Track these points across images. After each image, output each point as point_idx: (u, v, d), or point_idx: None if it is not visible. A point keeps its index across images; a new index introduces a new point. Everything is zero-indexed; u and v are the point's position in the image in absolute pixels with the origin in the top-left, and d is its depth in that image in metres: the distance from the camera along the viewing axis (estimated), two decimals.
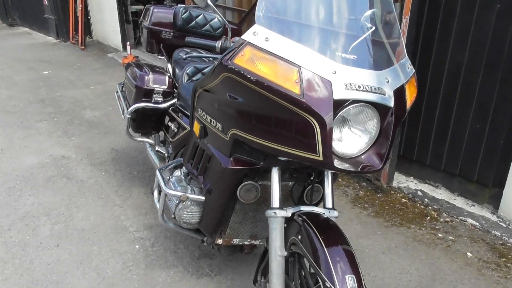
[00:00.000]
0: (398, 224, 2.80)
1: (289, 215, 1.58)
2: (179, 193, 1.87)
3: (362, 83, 1.40)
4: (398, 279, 2.33)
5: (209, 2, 1.61)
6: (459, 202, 2.97)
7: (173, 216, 1.94)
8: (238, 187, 1.71)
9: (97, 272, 2.29)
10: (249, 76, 1.37)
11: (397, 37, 1.72)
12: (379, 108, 1.45)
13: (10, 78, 5.80)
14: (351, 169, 1.45)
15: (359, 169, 1.46)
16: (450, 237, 2.68)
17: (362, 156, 1.49)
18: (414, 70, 1.70)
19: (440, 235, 2.70)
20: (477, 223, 2.78)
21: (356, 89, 1.39)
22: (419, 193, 3.09)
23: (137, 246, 2.50)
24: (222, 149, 1.69)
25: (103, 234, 2.60)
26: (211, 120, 1.73)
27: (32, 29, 9.42)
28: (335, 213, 1.62)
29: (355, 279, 1.33)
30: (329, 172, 1.67)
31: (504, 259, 2.49)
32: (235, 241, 1.99)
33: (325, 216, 1.58)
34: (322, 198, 1.84)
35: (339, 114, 1.39)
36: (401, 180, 3.26)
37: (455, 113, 2.89)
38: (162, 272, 2.31)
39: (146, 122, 2.71)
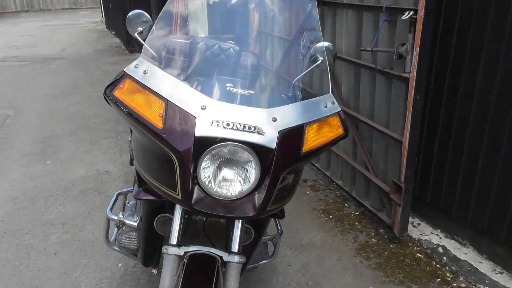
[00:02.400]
0: (398, 281, 2.46)
1: (181, 253, 1.51)
2: (115, 217, 1.92)
3: (233, 121, 1.31)
4: None
5: (135, 35, 1.66)
6: (484, 266, 2.50)
7: (116, 240, 2.00)
8: (154, 218, 1.69)
9: (73, 284, 2.44)
10: (122, 108, 1.38)
11: (323, 70, 1.58)
12: (259, 150, 1.33)
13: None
14: (215, 213, 1.35)
15: (226, 214, 1.35)
16: None
17: (241, 200, 1.38)
18: (338, 109, 1.53)
19: None
20: None
21: (224, 127, 1.30)
22: (440, 249, 2.68)
23: (120, 265, 2.60)
24: (137, 180, 1.70)
25: (98, 248, 2.76)
26: (131, 149, 1.76)
27: None
28: (236, 258, 1.51)
29: None
30: (239, 221, 1.56)
31: None
32: None
33: (218, 263, 1.48)
34: (256, 237, 1.75)
35: (207, 152, 1.32)
36: (425, 232, 2.87)
37: (482, 160, 2.47)
38: None
39: None
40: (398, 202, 2.66)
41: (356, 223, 3.05)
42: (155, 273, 1.95)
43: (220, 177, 1.36)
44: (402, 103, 2.61)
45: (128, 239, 1.95)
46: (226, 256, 1.51)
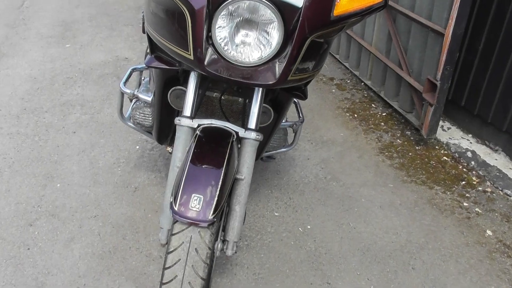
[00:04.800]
0: (420, 182, 2.38)
1: (195, 126, 1.41)
2: (129, 91, 1.82)
3: None
4: (379, 237, 2.02)
5: None
6: None
7: (130, 115, 1.92)
8: (168, 91, 1.58)
9: (91, 161, 2.44)
10: None
11: None
12: (283, 8, 1.16)
13: None
14: (231, 77, 1.21)
15: (243, 80, 1.22)
16: (476, 209, 2.20)
17: (260, 67, 1.24)
18: None
19: (465, 204, 2.23)
20: None
21: None
22: (469, 154, 2.55)
23: (137, 147, 2.58)
24: (149, 46, 1.56)
25: (116, 130, 2.73)
26: (143, 13, 1.60)
27: None
28: (253, 135, 1.40)
29: (202, 200, 1.16)
30: (258, 93, 1.43)
31: None
32: None
33: (233, 137, 1.38)
34: (276, 118, 1.65)
35: (224, 7, 1.15)
36: (455, 136, 2.72)
37: None
38: (144, 174, 2.35)
39: None
40: (431, 102, 2.49)
41: (382, 123, 2.92)
42: (169, 151, 1.90)
43: (237, 39, 1.21)
44: None
45: (142, 114, 1.87)
46: (242, 132, 1.40)
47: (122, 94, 1.89)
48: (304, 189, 2.30)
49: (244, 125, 1.54)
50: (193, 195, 1.16)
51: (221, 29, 1.18)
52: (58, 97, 3.10)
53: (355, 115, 3.01)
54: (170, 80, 1.56)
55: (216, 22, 1.17)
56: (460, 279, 1.83)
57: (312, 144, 2.67)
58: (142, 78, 2.04)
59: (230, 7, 1.15)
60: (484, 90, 2.51)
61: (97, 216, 2.08)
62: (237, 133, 1.40)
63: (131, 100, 1.85)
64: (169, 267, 1.15)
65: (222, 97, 1.67)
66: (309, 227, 2.06)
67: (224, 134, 1.38)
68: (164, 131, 1.82)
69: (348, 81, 3.49)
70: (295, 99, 2.03)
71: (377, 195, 2.28)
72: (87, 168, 2.39)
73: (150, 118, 1.86)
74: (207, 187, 1.18)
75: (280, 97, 1.61)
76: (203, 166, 1.23)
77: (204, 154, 1.26)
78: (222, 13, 1.16)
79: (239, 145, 1.44)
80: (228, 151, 1.29)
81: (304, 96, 1.59)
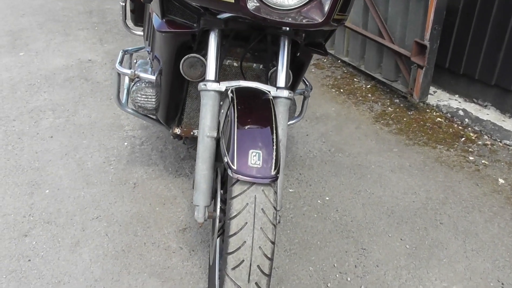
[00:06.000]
0: (422, 143, 2.37)
1: (223, 89, 1.29)
2: (128, 71, 1.66)
3: None
4: (400, 199, 1.97)
5: None
6: (509, 124, 2.43)
7: (130, 99, 1.76)
8: (180, 60, 1.45)
9: (78, 163, 2.23)
10: None
11: None
12: None
13: None
14: (274, 19, 1.12)
15: (288, 21, 1.12)
16: (483, 161, 2.21)
17: (303, 8, 1.15)
18: None
19: (471, 158, 2.24)
20: None
21: None
22: (461, 112, 2.59)
23: (125, 143, 2.40)
24: (156, 10, 1.43)
25: (98, 130, 2.53)
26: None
27: None
28: (285, 93, 1.31)
29: (261, 155, 1.05)
30: (285, 47, 1.34)
31: None
32: (196, 132, 1.76)
33: (269, 96, 1.28)
34: (293, 82, 1.56)
35: None
36: (442, 98, 2.75)
37: None
38: (140, 169, 2.18)
39: (144, 13, 2.49)
40: (421, 64, 2.49)
41: (369, 95, 2.90)
42: (177, 132, 1.75)
43: None
44: None
45: (144, 96, 1.70)
46: (274, 91, 1.30)
47: (119, 75, 1.72)
48: (312, 164, 2.22)
49: None
50: (250, 151, 1.04)
51: None
52: (24, 105, 2.84)
53: (341, 90, 2.98)
54: (182, 47, 1.43)
55: None
56: (488, 226, 1.82)
57: (307, 121, 2.61)
58: (134, 61, 1.88)
59: None
60: (469, 48, 2.56)
61: (100, 217, 1.89)
62: (267, 92, 1.30)
63: (132, 80, 1.69)
64: (235, 234, 1.02)
65: (236, 64, 1.56)
66: (327, 198, 1.99)
67: (258, 93, 1.27)
68: (173, 110, 1.67)
69: (325, 60, 3.46)
70: None
71: (385, 160, 2.24)
72: (75, 171, 2.18)
73: (154, 99, 1.71)
74: (262, 142, 1.07)
75: (300, 56, 1.52)
76: (251, 124, 1.11)
77: (248, 112, 1.15)
78: None
79: None
80: (271, 107, 1.18)
81: (326, 52, 1.51)
